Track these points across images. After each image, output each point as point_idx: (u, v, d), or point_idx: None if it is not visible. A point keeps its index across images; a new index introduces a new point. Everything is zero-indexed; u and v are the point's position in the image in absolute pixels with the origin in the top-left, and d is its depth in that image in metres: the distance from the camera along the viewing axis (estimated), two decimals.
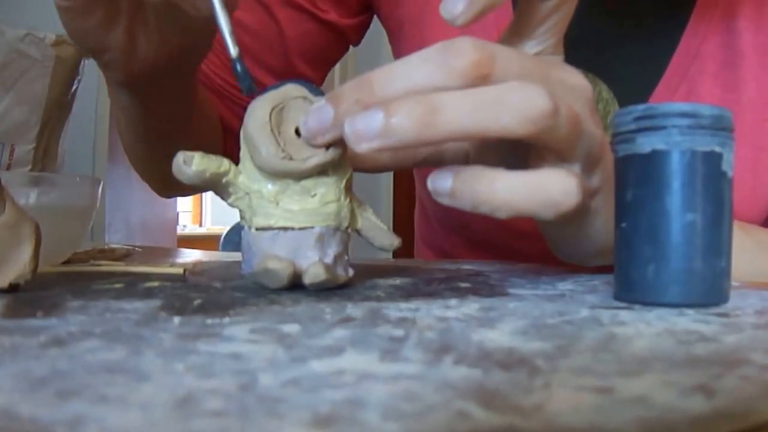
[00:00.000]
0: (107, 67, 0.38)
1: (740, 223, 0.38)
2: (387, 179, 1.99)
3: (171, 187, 0.58)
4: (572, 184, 0.25)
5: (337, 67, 2.10)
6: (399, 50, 0.57)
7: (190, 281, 0.30)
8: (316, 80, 0.60)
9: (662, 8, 0.48)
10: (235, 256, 0.46)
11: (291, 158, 0.27)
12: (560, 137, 0.25)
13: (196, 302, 0.24)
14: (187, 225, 4.12)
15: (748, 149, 0.46)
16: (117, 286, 0.28)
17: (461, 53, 0.24)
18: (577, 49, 0.30)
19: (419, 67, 0.25)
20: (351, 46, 0.62)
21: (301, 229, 0.27)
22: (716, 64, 0.46)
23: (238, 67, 0.30)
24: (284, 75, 0.56)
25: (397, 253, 0.62)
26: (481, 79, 0.24)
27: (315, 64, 0.59)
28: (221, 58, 0.55)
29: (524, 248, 0.49)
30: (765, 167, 0.47)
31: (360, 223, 0.30)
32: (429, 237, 0.65)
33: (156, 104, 0.44)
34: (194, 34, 0.38)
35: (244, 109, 0.28)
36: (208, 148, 0.48)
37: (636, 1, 0.48)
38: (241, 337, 0.17)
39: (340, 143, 0.27)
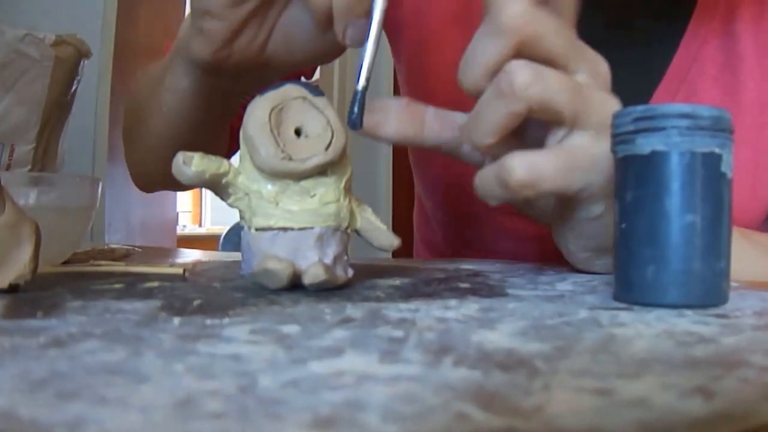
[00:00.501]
0: (201, 33, 0.36)
1: (739, 228, 0.38)
2: (386, 179, 1.99)
3: (167, 183, 0.58)
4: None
5: (337, 65, 2.10)
6: (398, 50, 0.57)
7: (189, 281, 0.30)
8: (306, 74, 0.60)
9: (662, 11, 0.48)
10: (235, 256, 0.46)
11: (290, 159, 0.27)
12: (559, 105, 0.27)
13: (196, 303, 0.24)
14: (186, 225, 4.12)
15: (748, 151, 0.46)
16: (117, 286, 0.28)
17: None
18: None
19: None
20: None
21: (300, 229, 0.27)
22: (716, 67, 0.46)
23: (356, 103, 0.29)
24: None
25: (396, 253, 0.62)
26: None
27: None
28: None
29: (523, 251, 0.50)
30: (764, 169, 0.47)
31: (359, 224, 0.30)
32: (428, 237, 0.65)
33: (217, 99, 0.43)
34: (300, 58, 0.38)
35: (244, 108, 0.28)
36: (222, 145, 0.47)
37: (636, 5, 0.48)
38: (241, 338, 0.17)
39: (339, 144, 0.27)
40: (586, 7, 0.48)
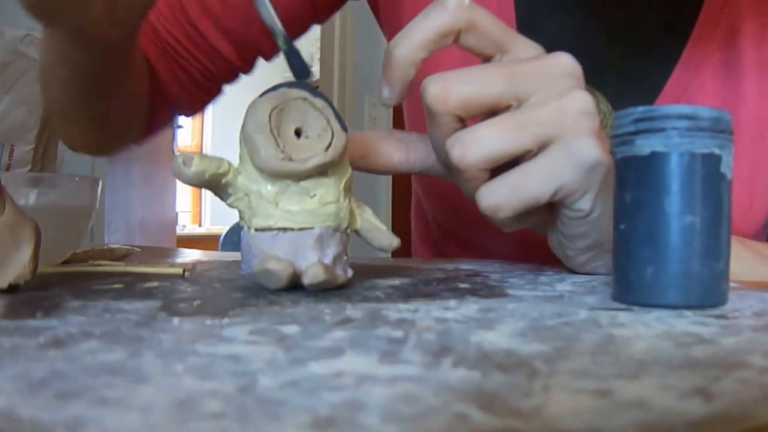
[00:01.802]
0: None
1: (738, 237, 0.38)
2: (386, 179, 2.00)
3: (99, 142, 0.57)
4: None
5: (336, 65, 2.09)
6: None
7: (189, 281, 0.31)
8: (266, 50, 0.58)
9: (663, 24, 0.48)
10: (235, 255, 0.46)
11: (290, 159, 0.27)
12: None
13: (196, 303, 0.24)
14: (186, 225, 4.12)
15: (746, 167, 0.46)
16: (116, 286, 0.28)
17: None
18: (579, 62, 0.31)
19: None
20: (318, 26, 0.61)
21: (300, 229, 0.27)
22: (716, 82, 0.46)
23: (296, 58, 0.30)
24: (240, 40, 0.55)
25: (395, 253, 0.62)
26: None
27: None
28: (175, 13, 0.53)
29: (520, 255, 0.50)
30: (761, 184, 0.47)
31: (359, 224, 0.30)
32: (425, 234, 0.65)
33: (74, 49, 0.43)
34: None
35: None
36: (133, 107, 0.45)
37: (638, 16, 0.48)
38: (241, 338, 0.18)
39: (339, 145, 0.27)
40: (587, 17, 0.48)
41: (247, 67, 0.58)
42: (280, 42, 0.29)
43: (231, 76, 0.57)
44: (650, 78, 0.47)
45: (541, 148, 0.28)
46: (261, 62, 0.59)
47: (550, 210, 0.32)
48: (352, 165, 0.30)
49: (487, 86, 0.28)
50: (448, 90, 0.28)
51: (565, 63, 0.29)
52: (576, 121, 0.28)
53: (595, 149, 0.28)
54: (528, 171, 0.28)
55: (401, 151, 0.33)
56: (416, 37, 0.29)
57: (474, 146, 0.28)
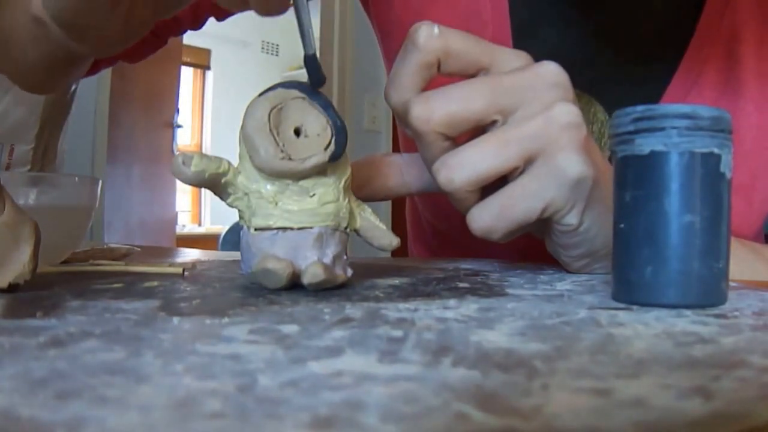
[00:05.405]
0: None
1: (737, 238, 0.37)
2: None
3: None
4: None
5: (335, 65, 2.09)
6: (388, 51, 0.57)
7: (189, 281, 0.31)
8: (219, 14, 0.56)
9: (662, 33, 0.47)
10: (234, 255, 0.46)
11: (290, 158, 0.27)
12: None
13: (195, 302, 0.24)
14: (186, 225, 4.12)
15: (745, 176, 0.45)
16: (116, 286, 0.28)
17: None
18: (576, 71, 0.31)
19: None
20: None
21: (299, 229, 0.27)
22: (715, 92, 0.46)
23: (314, 67, 0.29)
24: (196, 4, 0.53)
25: (395, 253, 0.62)
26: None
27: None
28: None
29: (517, 260, 0.50)
30: (760, 192, 0.47)
31: (359, 223, 0.30)
32: (420, 235, 0.65)
33: None
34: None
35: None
36: None
37: (636, 25, 0.47)
38: (240, 338, 0.18)
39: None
40: (584, 26, 0.48)
41: (198, 26, 0.57)
42: (308, 45, 0.28)
43: (180, 32, 0.58)
44: (649, 87, 0.47)
45: (528, 163, 0.28)
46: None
47: (544, 220, 0.32)
48: None
49: (470, 103, 0.28)
50: (430, 110, 0.28)
51: (550, 72, 0.29)
52: (561, 135, 0.27)
53: (579, 164, 0.28)
54: (514, 193, 0.28)
55: (395, 175, 0.33)
56: (401, 85, 0.30)
57: (460, 169, 0.28)
